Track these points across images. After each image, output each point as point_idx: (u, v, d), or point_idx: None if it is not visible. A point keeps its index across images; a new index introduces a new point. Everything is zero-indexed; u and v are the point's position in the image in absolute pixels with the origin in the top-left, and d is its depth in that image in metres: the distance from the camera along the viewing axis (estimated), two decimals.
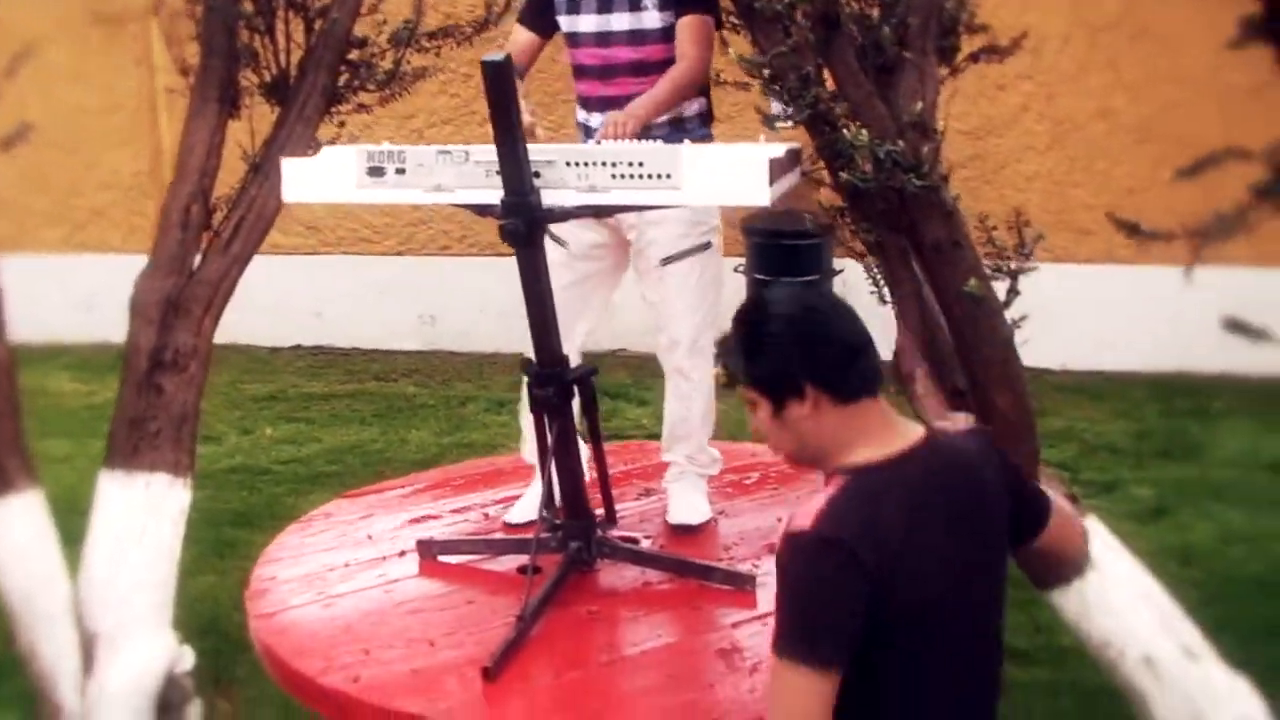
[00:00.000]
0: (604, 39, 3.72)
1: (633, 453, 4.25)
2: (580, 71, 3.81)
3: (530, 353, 3.23)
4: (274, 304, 8.06)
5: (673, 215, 3.62)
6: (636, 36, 3.69)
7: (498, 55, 2.76)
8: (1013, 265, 3.24)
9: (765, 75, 3.20)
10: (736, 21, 3.53)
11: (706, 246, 3.73)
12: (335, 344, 8.18)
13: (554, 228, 3.58)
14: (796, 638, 2.14)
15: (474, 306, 7.78)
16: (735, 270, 7.56)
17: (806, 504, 2.19)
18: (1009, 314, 3.20)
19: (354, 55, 4.06)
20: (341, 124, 4.04)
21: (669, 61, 3.66)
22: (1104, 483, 5.91)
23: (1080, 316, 7.36)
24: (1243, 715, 3.16)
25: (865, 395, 2.26)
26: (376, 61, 4.07)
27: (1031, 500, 2.45)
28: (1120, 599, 3.22)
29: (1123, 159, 7.13)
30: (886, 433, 2.26)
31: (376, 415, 7.04)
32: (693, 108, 3.73)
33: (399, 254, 8.22)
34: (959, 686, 2.27)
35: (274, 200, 3.82)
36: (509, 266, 3.13)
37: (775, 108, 3.23)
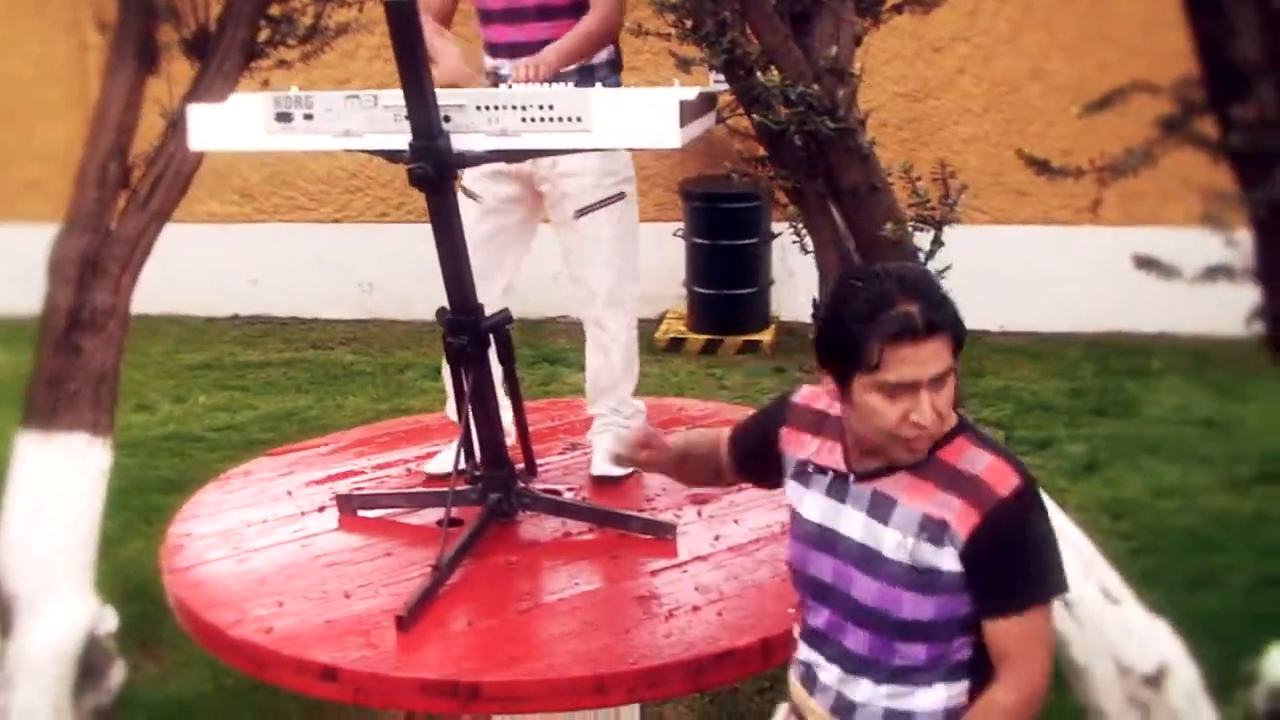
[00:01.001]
0: None
1: (560, 409, 4.22)
2: (486, 16, 3.75)
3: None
4: (210, 273, 8.00)
5: (586, 166, 3.59)
6: None
7: None
8: (937, 215, 3.24)
9: (683, 21, 3.19)
10: None
11: (621, 197, 3.70)
12: (272, 313, 8.11)
13: (467, 182, 3.55)
14: (1058, 580, 2.24)
15: (412, 274, 7.67)
16: (675, 234, 7.55)
17: (978, 468, 2.20)
18: (933, 265, 3.19)
19: (275, 10, 4.02)
20: (265, 81, 3.99)
21: (577, 5, 3.62)
22: (1038, 440, 5.96)
23: (1018, 278, 7.40)
24: (1161, 656, 3.18)
25: None
26: (298, 16, 4.03)
27: None
28: None
29: (1058, 120, 7.15)
30: None
31: (313, 382, 7.00)
32: (602, 55, 3.69)
33: (336, 222, 8.15)
34: None
35: (193, 157, 3.77)
36: None
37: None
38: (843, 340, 2.18)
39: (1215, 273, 2.60)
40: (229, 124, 3.07)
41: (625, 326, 3.78)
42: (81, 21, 7.70)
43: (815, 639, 2.36)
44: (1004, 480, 2.18)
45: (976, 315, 7.99)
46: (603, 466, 3.62)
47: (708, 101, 3.02)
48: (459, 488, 3.27)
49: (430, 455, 3.79)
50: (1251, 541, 4.85)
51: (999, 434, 5.90)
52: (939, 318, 2.15)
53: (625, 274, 3.74)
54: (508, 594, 3.06)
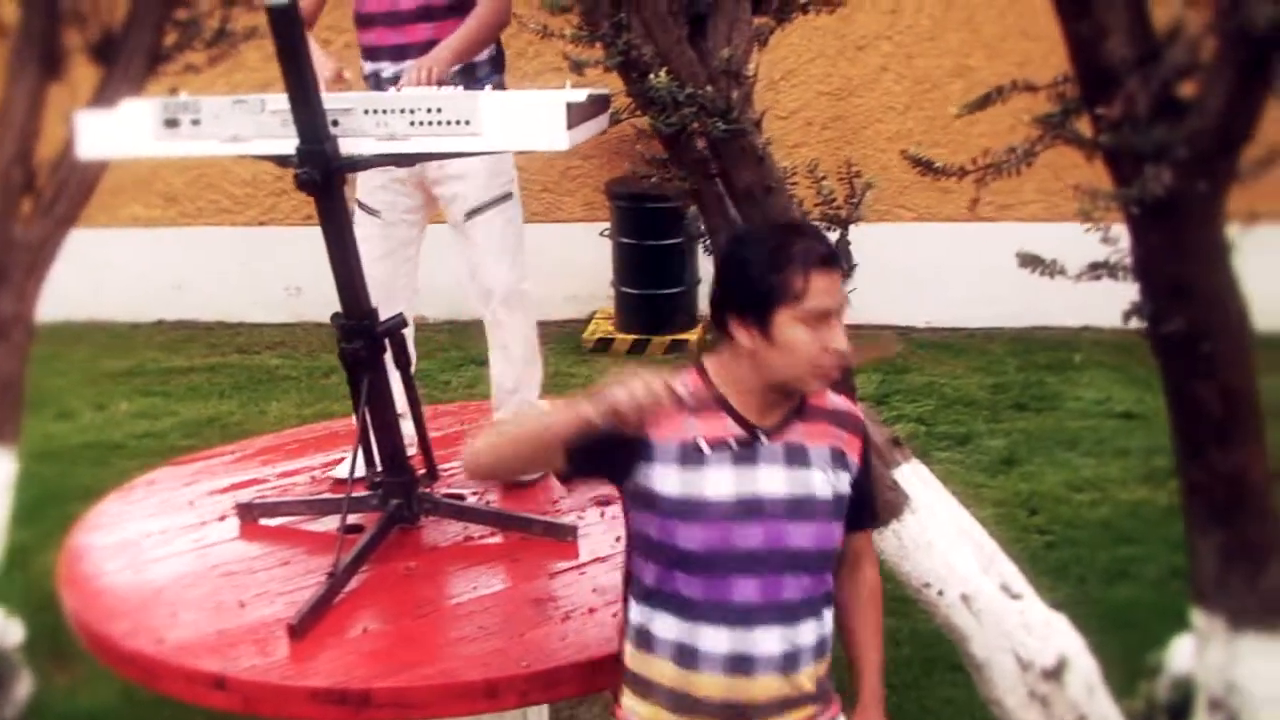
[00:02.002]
0: None
1: (471, 412, 4.21)
2: (367, 20, 3.77)
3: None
4: (134, 278, 7.92)
5: (474, 168, 3.63)
6: None
7: (283, 0, 2.71)
8: (843, 214, 3.25)
9: (579, 23, 3.18)
10: None
11: (509, 196, 3.74)
12: (199, 318, 8.01)
13: (362, 196, 3.56)
14: None
15: None
16: (601, 234, 7.54)
17: (839, 404, 2.47)
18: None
19: (181, 14, 3.98)
20: (173, 88, 3.95)
21: (458, 6, 3.64)
22: (958, 435, 5.98)
23: (943, 275, 7.43)
24: (1060, 649, 3.20)
25: None
26: (204, 20, 3.99)
27: None
28: (939, 538, 3.24)
29: (980, 118, 7.14)
30: None
31: (236, 388, 6.93)
32: (483, 54, 3.72)
33: (262, 225, 8.07)
34: None
35: (98, 162, 3.74)
36: None
37: None
38: (762, 281, 2.27)
39: (1097, 268, 2.63)
40: (117, 131, 3.05)
41: (523, 323, 3.79)
42: None
43: (746, 618, 2.31)
44: (856, 409, 2.51)
45: (902, 311, 8.02)
46: None
47: (599, 104, 3.02)
48: (359, 494, 3.25)
49: (337, 462, 3.77)
50: (1165, 534, 4.87)
51: (919, 430, 5.94)
52: (834, 252, 2.36)
53: (518, 271, 3.76)
54: (406, 600, 3.05)
